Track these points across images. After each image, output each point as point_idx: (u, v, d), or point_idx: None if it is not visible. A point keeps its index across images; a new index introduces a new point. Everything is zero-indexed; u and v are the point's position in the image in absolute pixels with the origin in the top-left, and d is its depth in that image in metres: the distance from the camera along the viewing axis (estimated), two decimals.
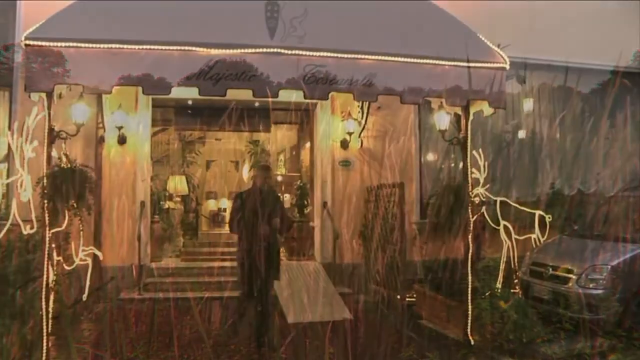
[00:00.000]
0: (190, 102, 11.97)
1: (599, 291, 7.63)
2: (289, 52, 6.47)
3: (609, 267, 7.70)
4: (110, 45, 6.10)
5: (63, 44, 6.00)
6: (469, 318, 7.26)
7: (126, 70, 6.13)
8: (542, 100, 12.96)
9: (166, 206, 13.28)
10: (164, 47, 6.23)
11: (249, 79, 6.41)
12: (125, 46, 6.12)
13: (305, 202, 11.93)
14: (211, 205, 20.44)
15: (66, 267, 7.58)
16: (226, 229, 19.72)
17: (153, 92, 6.91)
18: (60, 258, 7.30)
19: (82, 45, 6.04)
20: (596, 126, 13.42)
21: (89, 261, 7.77)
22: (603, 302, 7.57)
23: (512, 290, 8.14)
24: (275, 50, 6.45)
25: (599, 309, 7.57)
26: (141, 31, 6.20)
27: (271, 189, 7.12)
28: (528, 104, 12.70)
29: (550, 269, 8.29)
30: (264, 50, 6.44)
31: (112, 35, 6.10)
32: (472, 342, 7.22)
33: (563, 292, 7.93)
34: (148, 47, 6.18)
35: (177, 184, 15.63)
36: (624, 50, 12.97)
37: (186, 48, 6.28)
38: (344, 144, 11.02)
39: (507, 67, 7.32)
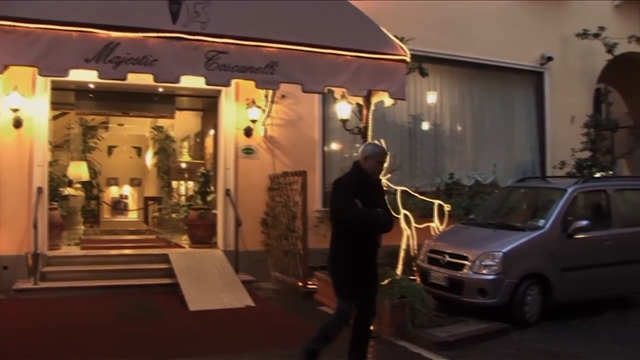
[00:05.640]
0: (91, 86, 11.64)
1: (492, 277, 7.96)
2: (191, 37, 6.43)
3: (501, 253, 8.03)
4: (2, 22, 5.85)
5: None
6: None
7: (20, 49, 5.92)
8: (444, 94, 13.35)
9: (65, 192, 12.89)
10: (61, 27, 6.04)
11: (150, 63, 6.33)
12: (19, 24, 5.89)
13: (209, 190, 11.85)
14: (113, 192, 20.04)
15: None
16: (129, 216, 19.50)
17: (50, 74, 6.68)
18: None
19: None
20: (495, 120, 13.97)
21: None
22: (495, 287, 7.92)
23: (410, 277, 8.39)
24: (177, 35, 6.38)
25: (491, 293, 7.92)
26: (37, 9, 5.97)
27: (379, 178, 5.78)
28: (431, 97, 13.05)
29: (447, 256, 8.57)
30: (166, 34, 6.37)
31: (4, 12, 5.84)
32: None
33: (458, 278, 8.22)
34: (44, 26, 5.97)
35: (78, 170, 15.21)
36: (526, 49, 13.61)
37: (85, 29, 6.13)
38: (248, 132, 10.97)
39: (408, 59, 7.49)
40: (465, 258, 8.28)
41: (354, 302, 5.46)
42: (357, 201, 5.27)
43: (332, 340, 5.48)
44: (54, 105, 11.10)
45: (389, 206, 5.63)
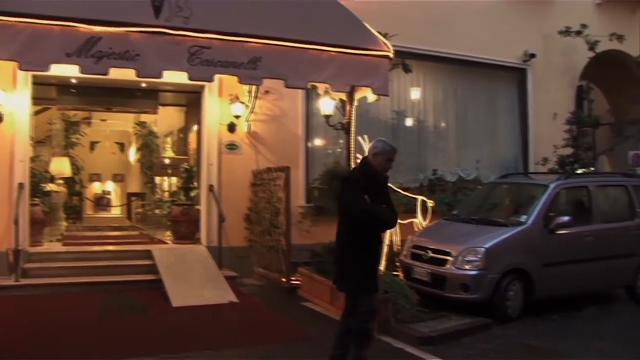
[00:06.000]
0: (74, 81, 11.54)
1: (474, 272, 8.02)
2: (174, 32, 6.39)
3: (484, 249, 8.08)
4: None
5: None
6: None
7: (0, 43, 5.85)
8: (428, 90, 13.40)
9: (48, 189, 12.78)
10: (42, 22, 5.98)
11: (133, 58, 6.28)
12: None
13: (192, 186, 11.82)
14: (96, 188, 19.90)
15: None
16: (113, 212, 19.37)
17: (30, 69, 6.64)
18: None
19: None
20: (479, 117, 14.04)
21: None
22: (477, 283, 7.97)
23: (394, 273, 8.41)
24: (160, 30, 6.34)
25: (473, 289, 7.98)
26: (18, 3, 5.91)
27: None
28: (415, 93, 13.09)
29: (430, 252, 8.60)
30: (149, 29, 6.32)
31: None
32: None
33: (441, 274, 8.26)
34: (25, 20, 5.91)
35: (60, 166, 15.09)
36: (510, 46, 13.70)
37: (67, 24, 6.07)
38: (232, 128, 10.95)
39: (392, 55, 7.49)
40: (448, 254, 8.32)
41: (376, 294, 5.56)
42: (367, 197, 5.27)
43: (372, 338, 5.57)
44: (36, 100, 11.00)
45: (393, 204, 5.62)
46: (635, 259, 9.31)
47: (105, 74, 6.21)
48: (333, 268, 5.83)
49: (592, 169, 13.36)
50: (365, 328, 5.47)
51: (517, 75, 14.39)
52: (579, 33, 13.59)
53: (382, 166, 5.50)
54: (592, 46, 13.67)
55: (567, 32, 13.63)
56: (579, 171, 12.46)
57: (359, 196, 5.28)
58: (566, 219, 8.54)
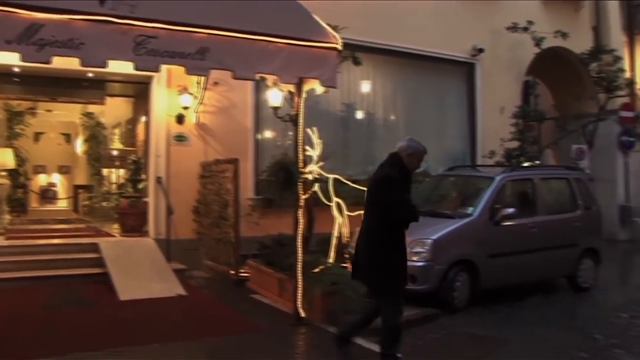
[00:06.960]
0: (17, 70, 11.26)
1: (421, 263, 8.11)
2: (120, 21, 6.24)
3: (431, 240, 8.18)
4: None
5: None
6: (299, 291, 7.42)
7: None
8: (377, 83, 13.48)
9: None
10: None
11: (77, 47, 6.11)
12: None
13: (140, 177, 11.66)
14: (41, 180, 19.53)
15: None
16: (59, 205, 19.02)
17: None
18: None
19: None
20: (427, 110, 14.20)
21: None
22: (425, 273, 8.06)
23: (342, 265, 8.44)
24: (104, 18, 6.20)
25: (421, 279, 8.05)
26: None
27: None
28: (364, 86, 13.17)
29: None
30: (93, 17, 6.17)
31: None
32: (303, 315, 7.39)
33: None
34: None
35: (3, 158, 14.71)
36: (458, 40, 13.88)
37: (6, 9, 5.87)
38: (180, 119, 10.87)
39: (340, 47, 7.49)
40: None
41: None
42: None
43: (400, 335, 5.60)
44: None
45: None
46: (576, 249, 9.55)
47: (48, 63, 6.04)
48: (356, 263, 5.90)
49: (537, 161, 13.66)
50: (395, 325, 5.52)
51: (465, 70, 14.61)
52: (525, 29, 13.89)
53: (413, 165, 5.70)
54: (537, 42, 14.00)
55: (514, 28, 13.91)
56: (525, 164, 12.72)
57: (403, 196, 5.45)
58: (511, 210, 8.70)
